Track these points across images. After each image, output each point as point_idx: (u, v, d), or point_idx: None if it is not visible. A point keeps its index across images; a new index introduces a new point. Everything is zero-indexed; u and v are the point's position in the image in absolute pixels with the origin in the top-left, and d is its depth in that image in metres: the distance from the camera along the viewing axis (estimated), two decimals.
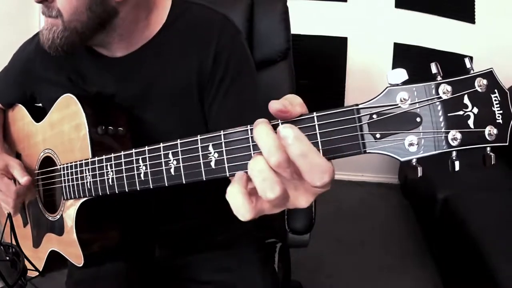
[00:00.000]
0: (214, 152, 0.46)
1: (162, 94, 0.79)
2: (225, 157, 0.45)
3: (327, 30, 2.47)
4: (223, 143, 0.45)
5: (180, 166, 0.50)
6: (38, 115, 0.87)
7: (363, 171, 2.71)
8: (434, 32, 2.36)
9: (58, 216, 0.81)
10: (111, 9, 0.73)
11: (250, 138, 0.44)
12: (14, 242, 0.80)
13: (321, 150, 0.41)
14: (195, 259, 0.96)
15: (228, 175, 0.46)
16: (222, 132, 0.45)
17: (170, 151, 0.51)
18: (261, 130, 0.39)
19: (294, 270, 1.40)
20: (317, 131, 0.41)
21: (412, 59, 2.39)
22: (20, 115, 0.94)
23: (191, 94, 0.79)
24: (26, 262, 0.72)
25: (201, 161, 0.47)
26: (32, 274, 0.84)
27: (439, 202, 1.82)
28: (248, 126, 0.44)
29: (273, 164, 0.38)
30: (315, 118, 0.41)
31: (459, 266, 1.67)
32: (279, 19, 1.28)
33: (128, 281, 0.91)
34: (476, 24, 2.31)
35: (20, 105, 0.93)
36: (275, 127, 0.40)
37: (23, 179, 0.82)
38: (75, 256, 0.77)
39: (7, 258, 0.69)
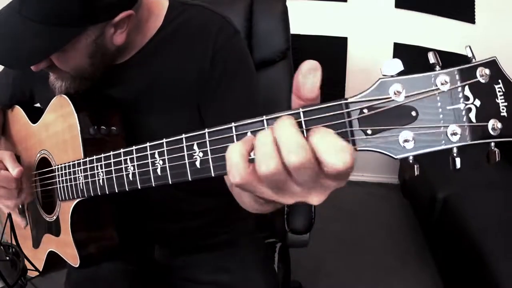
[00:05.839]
0: (199, 151, 0.44)
1: (160, 97, 0.78)
2: (210, 156, 0.43)
3: (327, 30, 2.46)
4: (207, 142, 0.43)
5: (166, 166, 0.48)
6: (36, 116, 0.86)
7: (363, 171, 2.70)
8: (434, 32, 2.36)
9: (54, 217, 0.81)
10: (114, 51, 0.74)
11: (234, 136, 0.41)
12: (14, 242, 0.79)
13: None
14: (194, 259, 0.96)
15: (213, 175, 0.44)
16: (206, 130, 0.43)
17: (156, 151, 0.49)
18: (285, 125, 0.37)
19: (294, 270, 1.39)
20: (304, 128, 0.38)
21: (412, 59, 2.38)
22: (17, 116, 0.93)
23: (189, 95, 0.78)
24: (26, 262, 0.72)
25: (186, 160, 0.46)
26: (32, 274, 0.84)
27: (439, 202, 1.81)
28: (232, 123, 0.41)
29: (293, 163, 0.35)
30: (301, 114, 0.38)
31: (459, 266, 1.67)
32: (279, 19, 1.28)
33: (127, 282, 0.91)
34: (476, 24, 2.31)
35: (17, 106, 0.93)
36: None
37: (14, 170, 0.78)
38: (72, 256, 0.76)
39: (7, 258, 0.69)
